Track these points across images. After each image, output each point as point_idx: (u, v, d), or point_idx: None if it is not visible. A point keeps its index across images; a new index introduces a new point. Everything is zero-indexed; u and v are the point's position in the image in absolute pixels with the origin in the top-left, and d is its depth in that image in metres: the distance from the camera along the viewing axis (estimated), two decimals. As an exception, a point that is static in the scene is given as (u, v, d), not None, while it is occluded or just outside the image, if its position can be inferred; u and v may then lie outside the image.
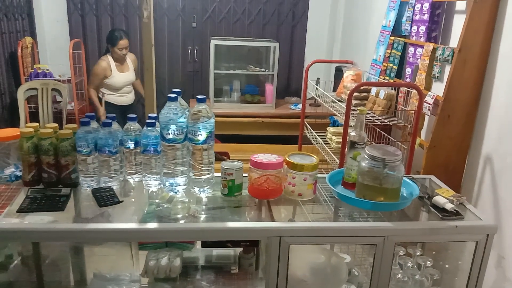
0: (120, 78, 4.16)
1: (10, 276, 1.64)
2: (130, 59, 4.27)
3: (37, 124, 1.56)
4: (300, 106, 4.07)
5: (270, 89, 4.63)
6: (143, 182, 1.57)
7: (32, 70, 4.23)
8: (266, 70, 4.73)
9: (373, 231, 1.40)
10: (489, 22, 2.29)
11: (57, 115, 4.19)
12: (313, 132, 3.23)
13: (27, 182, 1.54)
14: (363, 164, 1.45)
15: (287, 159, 1.55)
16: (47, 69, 4.28)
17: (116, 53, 4.08)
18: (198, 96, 1.47)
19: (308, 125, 3.34)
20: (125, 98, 4.28)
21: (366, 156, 1.45)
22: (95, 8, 4.68)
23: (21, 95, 3.94)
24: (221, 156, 3.65)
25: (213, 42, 4.39)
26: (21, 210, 1.39)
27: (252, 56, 4.86)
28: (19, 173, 1.58)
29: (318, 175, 1.60)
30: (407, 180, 1.60)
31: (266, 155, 1.55)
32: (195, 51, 4.94)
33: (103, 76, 4.11)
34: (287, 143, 4.21)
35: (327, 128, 3.13)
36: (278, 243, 1.36)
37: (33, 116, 4.09)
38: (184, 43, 4.91)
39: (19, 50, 4.01)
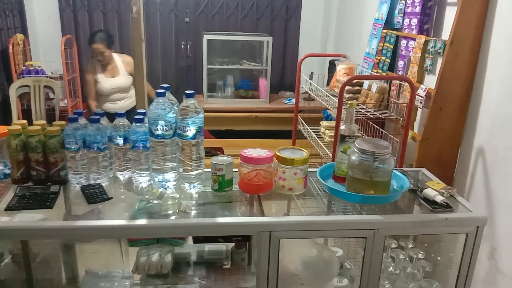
0: (105, 83, 3.73)
1: (0, 274, 1.63)
2: (122, 62, 3.81)
3: (25, 121, 1.55)
4: (294, 100, 4.07)
5: (264, 83, 4.62)
6: (133, 178, 1.57)
7: (24, 67, 4.20)
8: (260, 65, 4.71)
9: (362, 224, 1.40)
10: (480, 14, 2.28)
11: (50, 112, 4.17)
12: (307, 126, 3.23)
13: (15, 180, 1.53)
14: (353, 158, 1.45)
15: (277, 153, 1.54)
16: (39, 66, 4.26)
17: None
18: (187, 91, 1.46)
19: (301, 119, 3.34)
20: (114, 105, 3.80)
21: (356, 150, 1.45)
22: (87, 4, 4.64)
23: (13, 92, 3.92)
24: (215, 152, 3.64)
25: (206, 37, 4.36)
26: (9, 208, 1.38)
27: (246, 51, 4.85)
28: (7, 171, 1.57)
29: (310, 169, 1.60)
30: (398, 173, 1.60)
31: (256, 150, 1.54)
32: (188, 46, 4.92)
33: (93, 82, 3.74)
34: (282, 138, 4.20)
35: (321, 122, 3.13)
36: (268, 238, 1.35)
37: (26, 113, 4.07)
38: (177, 38, 4.88)
39: (10, 47, 3.98)
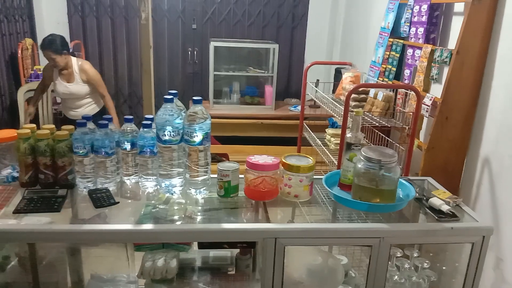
0: (59, 87, 3.55)
1: (7, 277, 1.64)
2: (79, 69, 3.52)
3: (34, 125, 1.57)
4: (300, 107, 4.08)
5: (270, 90, 4.64)
6: (140, 183, 1.58)
7: (32, 72, 4.25)
8: (266, 72, 4.73)
9: (368, 232, 1.40)
10: (487, 24, 2.29)
11: (57, 117, 4.21)
12: (312, 133, 3.24)
13: (23, 183, 1.54)
14: (359, 166, 1.45)
15: (283, 160, 1.55)
16: (47, 71, 4.28)
17: None
18: (194, 98, 1.48)
19: (307, 126, 3.35)
20: (75, 113, 3.62)
21: (362, 158, 1.45)
22: (96, 10, 4.69)
23: (21, 96, 3.95)
24: (220, 158, 3.65)
25: (212, 44, 4.39)
26: (17, 211, 1.40)
27: (252, 58, 4.87)
28: (16, 174, 1.59)
29: (316, 177, 1.60)
30: (404, 181, 1.60)
31: (262, 157, 1.55)
32: (195, 52, 4.95)
33: (48, 78, 3.60)
34: (287, 145, 4.21)
35: (326, 130, 3.14)
36: (274, 245, 1.36)
37: (33, 117, 4.10)
38: (184, 44, 4.92)
39: (19, 51, 4.03)
